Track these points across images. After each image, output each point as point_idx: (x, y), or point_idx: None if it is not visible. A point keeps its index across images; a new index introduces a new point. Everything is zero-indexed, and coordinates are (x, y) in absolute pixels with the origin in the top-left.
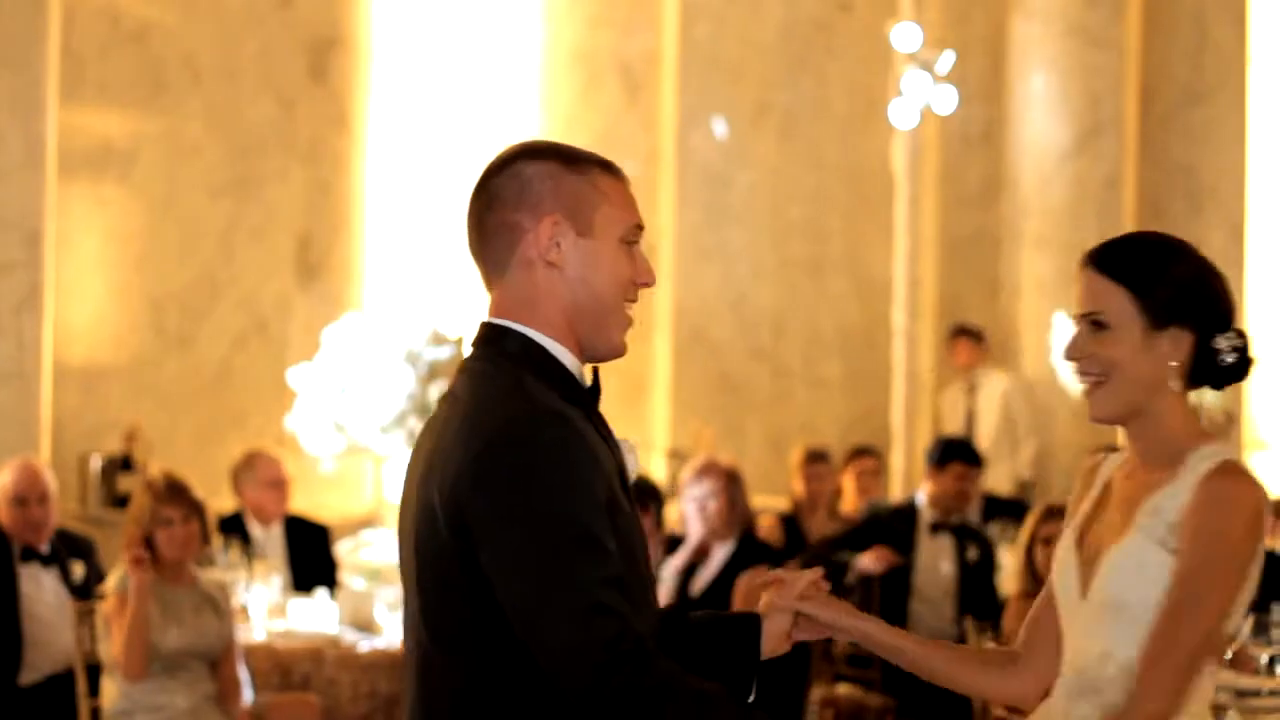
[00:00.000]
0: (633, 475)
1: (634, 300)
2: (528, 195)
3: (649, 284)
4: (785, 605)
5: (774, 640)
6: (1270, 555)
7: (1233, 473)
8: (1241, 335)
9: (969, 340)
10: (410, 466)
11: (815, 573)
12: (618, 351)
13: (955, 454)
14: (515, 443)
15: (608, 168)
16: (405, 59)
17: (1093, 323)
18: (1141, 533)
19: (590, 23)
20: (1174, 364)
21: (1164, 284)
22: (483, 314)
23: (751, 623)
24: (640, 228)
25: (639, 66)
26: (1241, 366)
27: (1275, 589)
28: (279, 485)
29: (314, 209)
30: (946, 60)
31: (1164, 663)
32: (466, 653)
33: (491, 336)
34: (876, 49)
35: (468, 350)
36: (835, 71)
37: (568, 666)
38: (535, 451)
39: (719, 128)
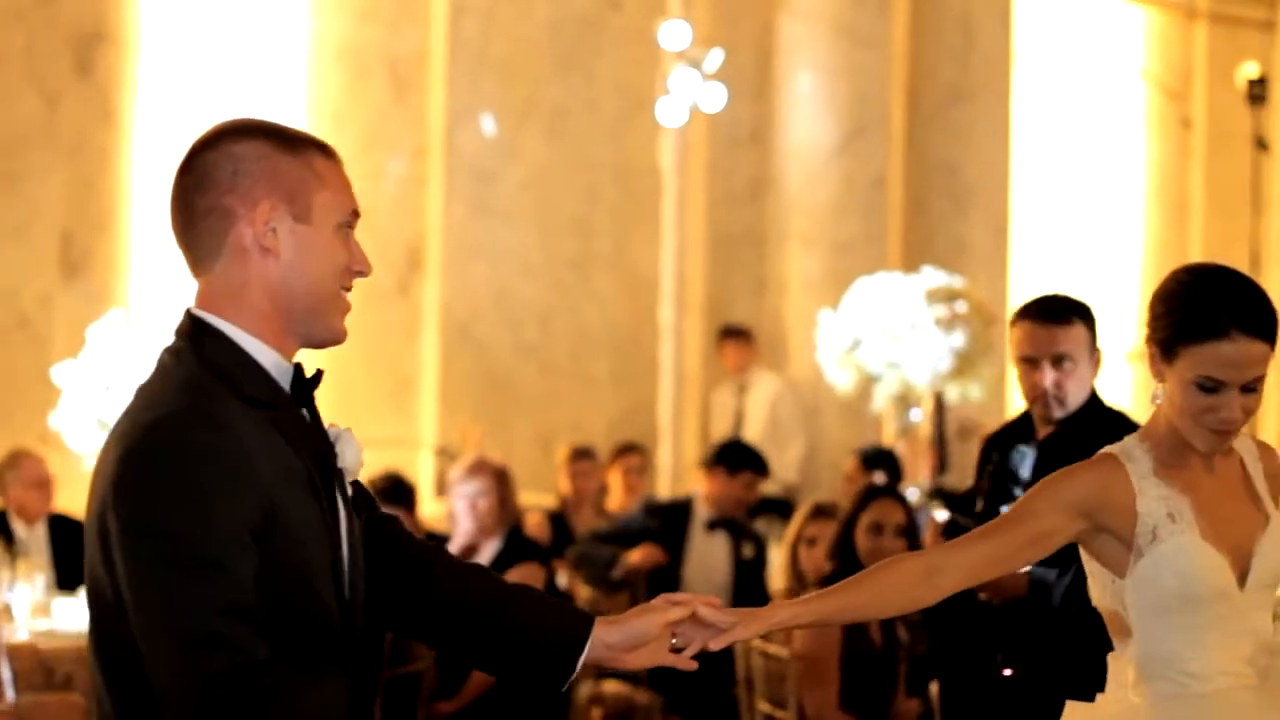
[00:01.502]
0: (353, 468)
1: (349, 288)
2: (241, 178)
3: (365, 273)
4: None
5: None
6: None
7: None
8: None
9: (737, 342)
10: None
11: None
12: (339, 337)
13: (748, 463)
14: (154, 449)
15: (324, 150)
16: (173, 54)
17: (1244, 388)
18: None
19: (358, 18)
20: None
21: None
22: (189, 302)
23: (584, 622)
24: (357, 214)
25: (407, 63)
26: None
27: None
28: (43, 485)
29: (78, 205)
30: (714, 59)
31: None
32: (120, 685)
33: (187, 329)
34: (645, 47)
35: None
36: (604, 69)
37: (171, 701)
38: (171, 461)
39: (487, 125)
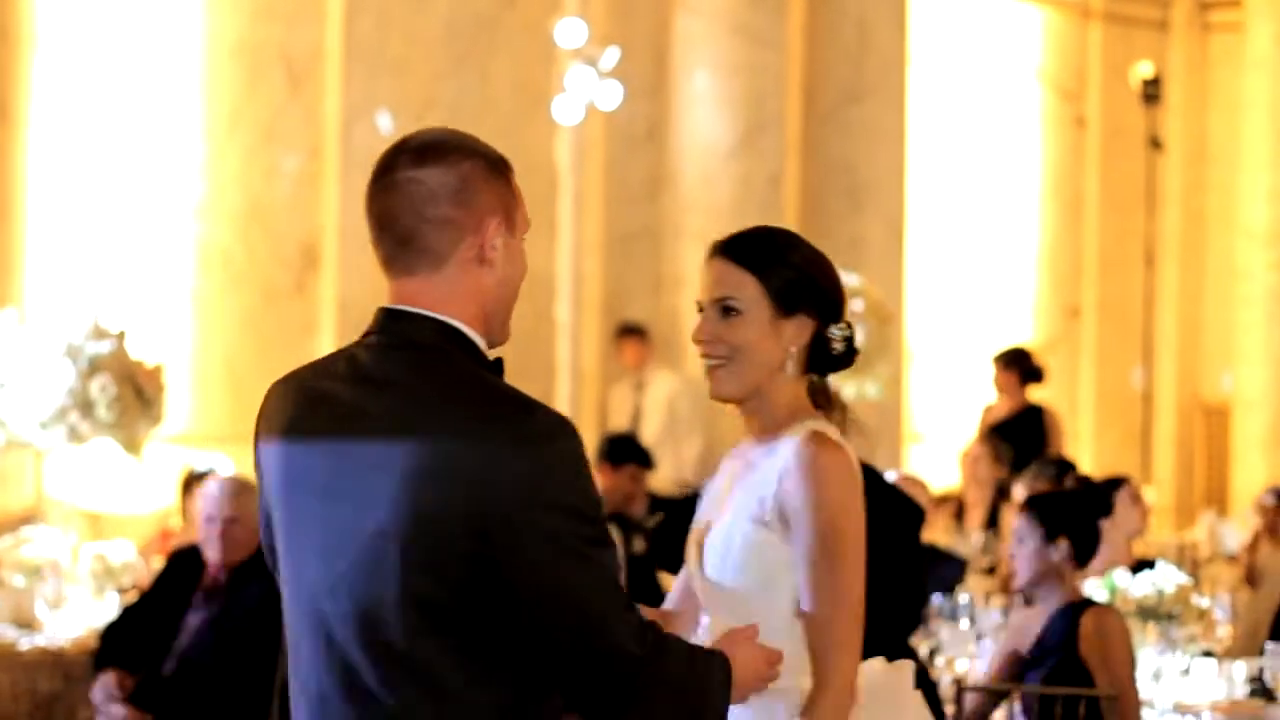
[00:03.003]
0: None
1: None
2: (469, 194)
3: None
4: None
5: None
6: (931, 549)
7: (811, 441)
8: (850, 326)
9: (635, 339)
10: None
11: None
12: (507, 339)
13: (631, 455)
14: (571, 446)
15: (511, 168)
16: (67, 50)
17: (724, 308)
18: (734, 513)
19: (253, 15)
20: (794, 349)
21: (790, 272)
22: (393, 302)
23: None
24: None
25: (302, 60)
26: (848, 356)
27: (939, 582)
28: None
29: None
30: (611, 57)
31: (830, 638)
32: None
33: (439, 330)
34: (541, 45)
35: (378, 338)
36: (500, 67)
37: (628, 672)
38: (576, 452)
39: (383, 122)
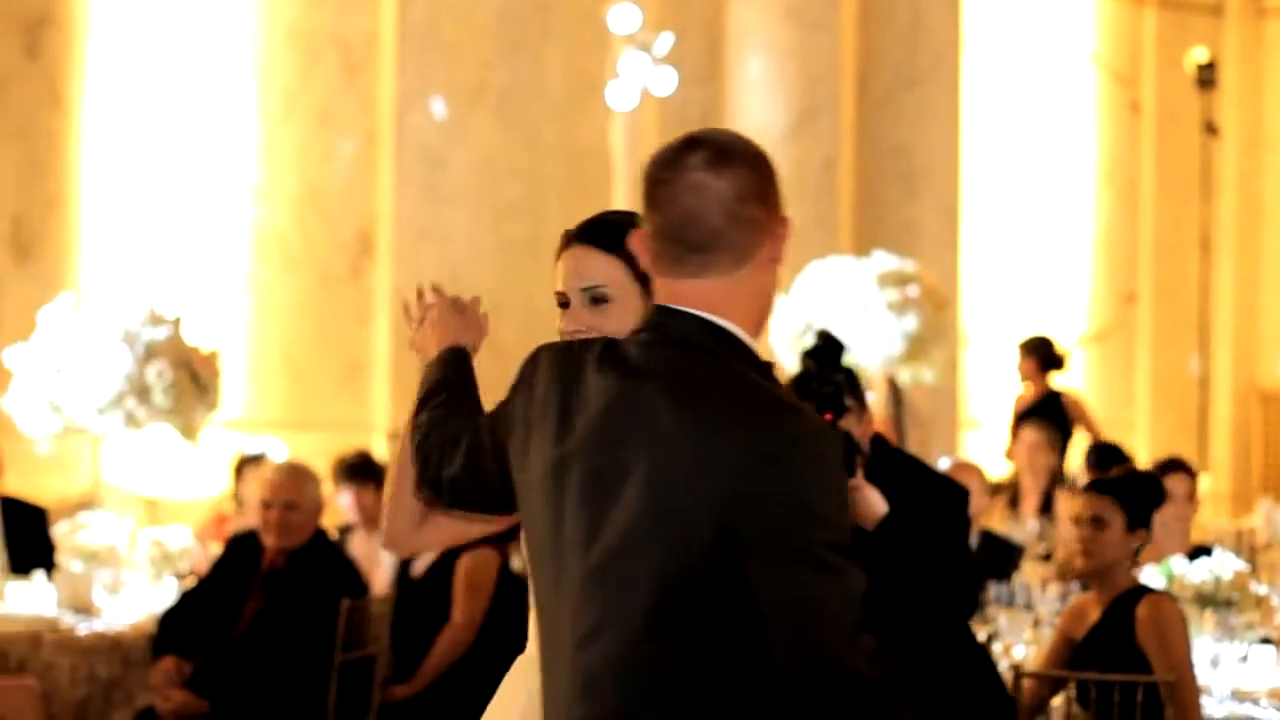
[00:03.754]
0: None
1: None
2: (769, 194)
3: None
4: None
5: None
6: (988, 535)
7: None
8: None
9: None
10: (605, 464)
11: None
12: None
13: None
14: (829, 452)
15: None
16: (121, 36)
17: (593, 297)
18: None
19: (308, 1)
20: None
21: None
22: (674, 301)
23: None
24: None
25: (357, 45)
26: None
27: (995, 568)
28: None
29: (27, 188)
30: (665, 42)
31: None
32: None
33: (709, 331)
34: (594, 30)
35: (650, 334)
36: (553, 53)
37: (858, 694)
38: (835, 459)
39: (437, 108)
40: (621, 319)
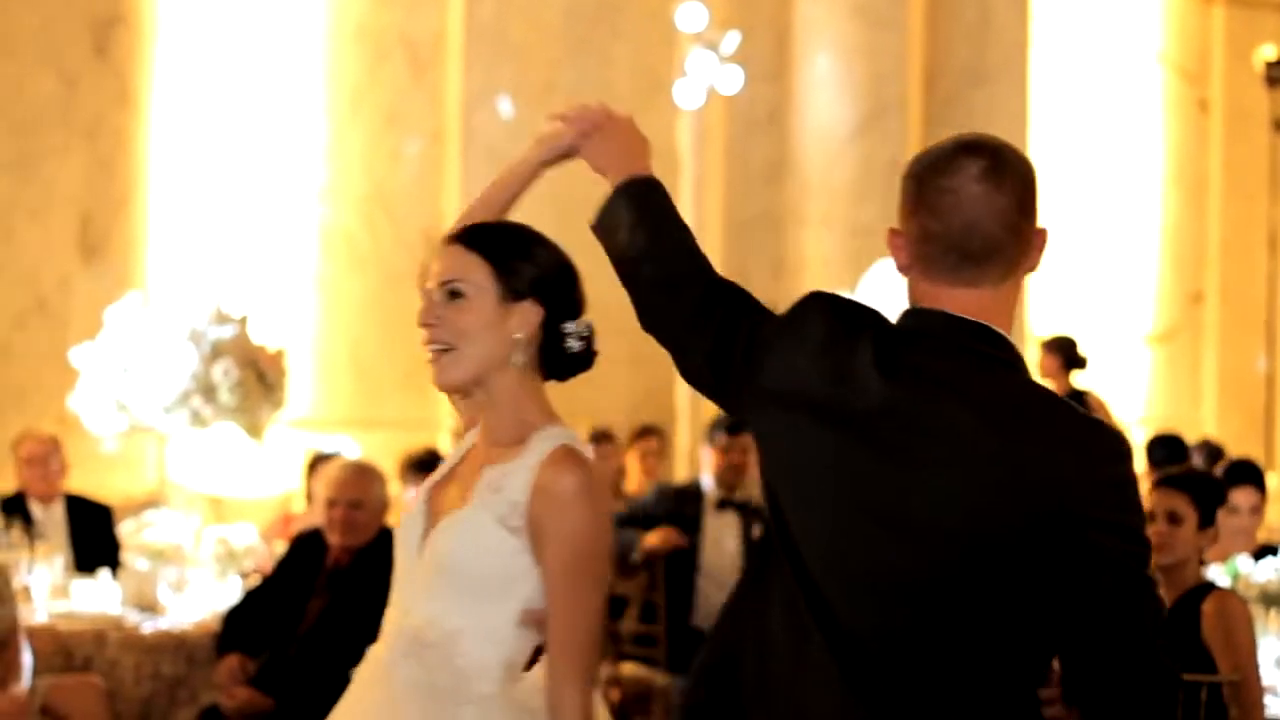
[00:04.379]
0: None
1: None
2: (1034, 203)
3: None
4: None
5: None
6: None
7: (566, 458)
8: (590, 328)
9: None
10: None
11: None
12: None
13: (743, 426)
14: (1129, 466)
15: None
16: (190, 36)
17: (450, 292)
18: (480, 506)
19: (376, 1)
20: (519, 336)
21: (522, 260)
22: (956, 309)
23: None
24: None
25: (425, 44)
26: (587, 358)
27: None
28: (35, 463)
29: (95, 187)
30: (731, 41)
31: (571, 650)
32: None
33: (1000, 343)
34: (662, 29)
35: (946, 345)
36: (620, 52)
37: (1165, 693)
38: (1134, 473)
39: (504, 107)
40: (471, 317)
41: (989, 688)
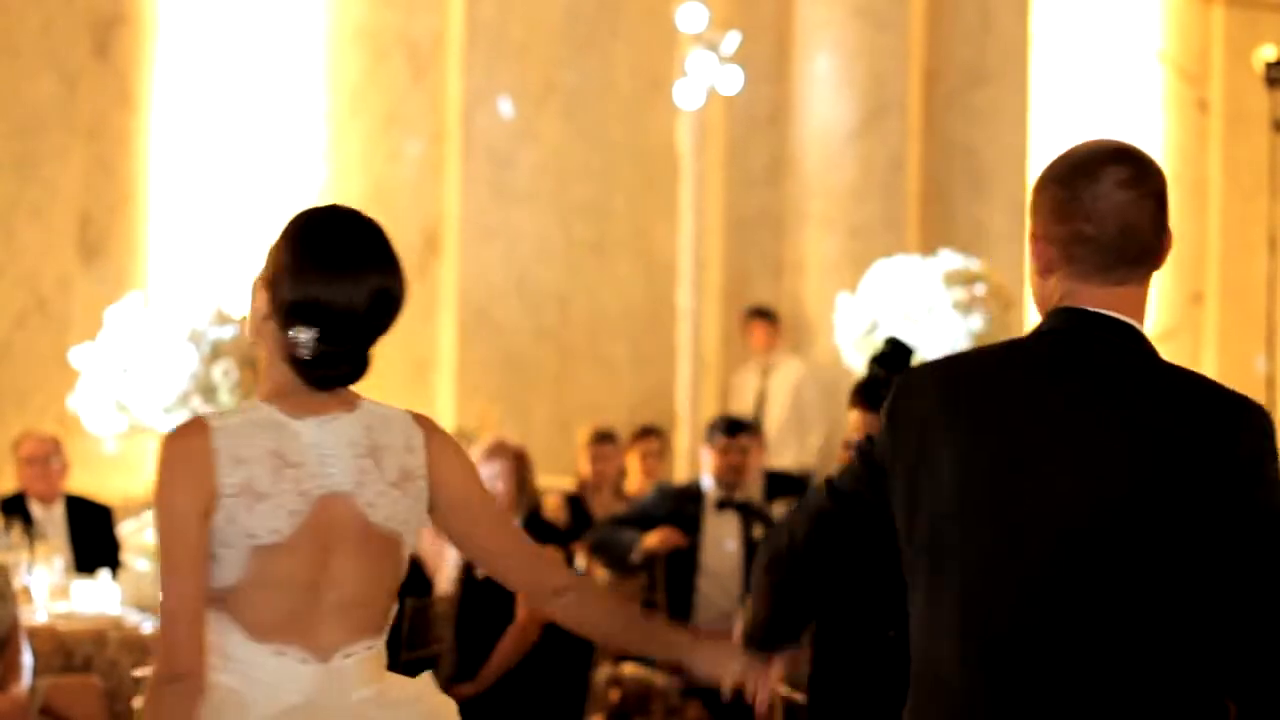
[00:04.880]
0: None
1: None
2: (1167, 208)
3: None
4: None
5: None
6: None
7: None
8: (317, 343)
9: (763, 323)
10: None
11: None
12: None
13: (741, 427)
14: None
15: None
16: (190, 36)
17: None
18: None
19: (375, 1)
20: (249, 315)
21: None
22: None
23: None
24: None
25: (425, 45)
26: (314, 367)
27: None
28: (35, 463)
29: (96, 187)
30: (732, 41)
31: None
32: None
33: (1143, 337)
34: (662, 29)
35: (1104, 339)
36: (620, 52)
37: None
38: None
39: (504, 107)
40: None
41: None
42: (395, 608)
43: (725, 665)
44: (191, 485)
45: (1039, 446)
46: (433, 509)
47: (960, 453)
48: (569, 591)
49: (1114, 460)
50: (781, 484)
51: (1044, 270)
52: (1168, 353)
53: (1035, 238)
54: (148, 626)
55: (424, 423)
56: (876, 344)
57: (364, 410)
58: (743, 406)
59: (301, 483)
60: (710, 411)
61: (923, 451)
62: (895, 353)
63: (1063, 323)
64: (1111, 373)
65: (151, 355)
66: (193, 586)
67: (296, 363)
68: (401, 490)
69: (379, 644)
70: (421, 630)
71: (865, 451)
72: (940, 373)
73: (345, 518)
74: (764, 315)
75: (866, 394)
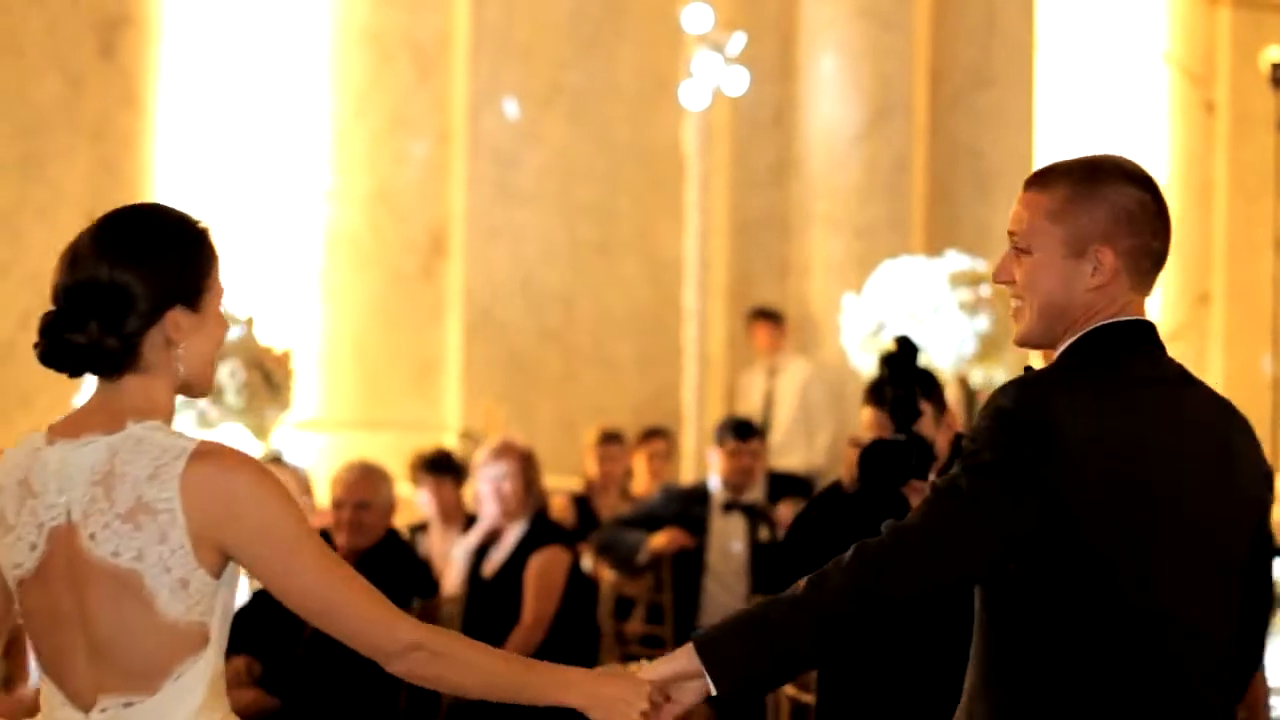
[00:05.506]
0: None
1: None
2: None
3: None
4: None
5: None
6: None
7: None
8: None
9: (769, 324)
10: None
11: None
12: None
13: (751, 430)
14: None
15: None
16: (196, 37)
17: None
18: None
19: (381, 2)
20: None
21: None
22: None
23: None
24: None
25: (430, 46)
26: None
27: None
28: None
29: (101, 188)
30: (737, 42)
31: None
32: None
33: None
34: (667, 30)
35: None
36: (626, 53)
37: None
38: None
39: (510, 109)
40: None
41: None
42: (179, 671)
43: (625, 709)
44: None
45: (1188, 459)
46: (224, 552)
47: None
48: (418, 650)
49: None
50: (786, 485)
51: (1105, 282)
52: (1175, 354)
53: (1102, 250)
54: None
55: (201, 453)
56: (884, 344)
57: (125, 435)
58: (749, 408)
59: (38, 514)
60: (716, 413)
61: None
62: (902, 351)
63: (1143, 333)
64: (1185, 382)
65: None
66: None
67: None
68: (133, 524)
69: (147, 706)
70: None
71: None
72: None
73: (75, 551)
74: (769, 316)
75: (874, 393)
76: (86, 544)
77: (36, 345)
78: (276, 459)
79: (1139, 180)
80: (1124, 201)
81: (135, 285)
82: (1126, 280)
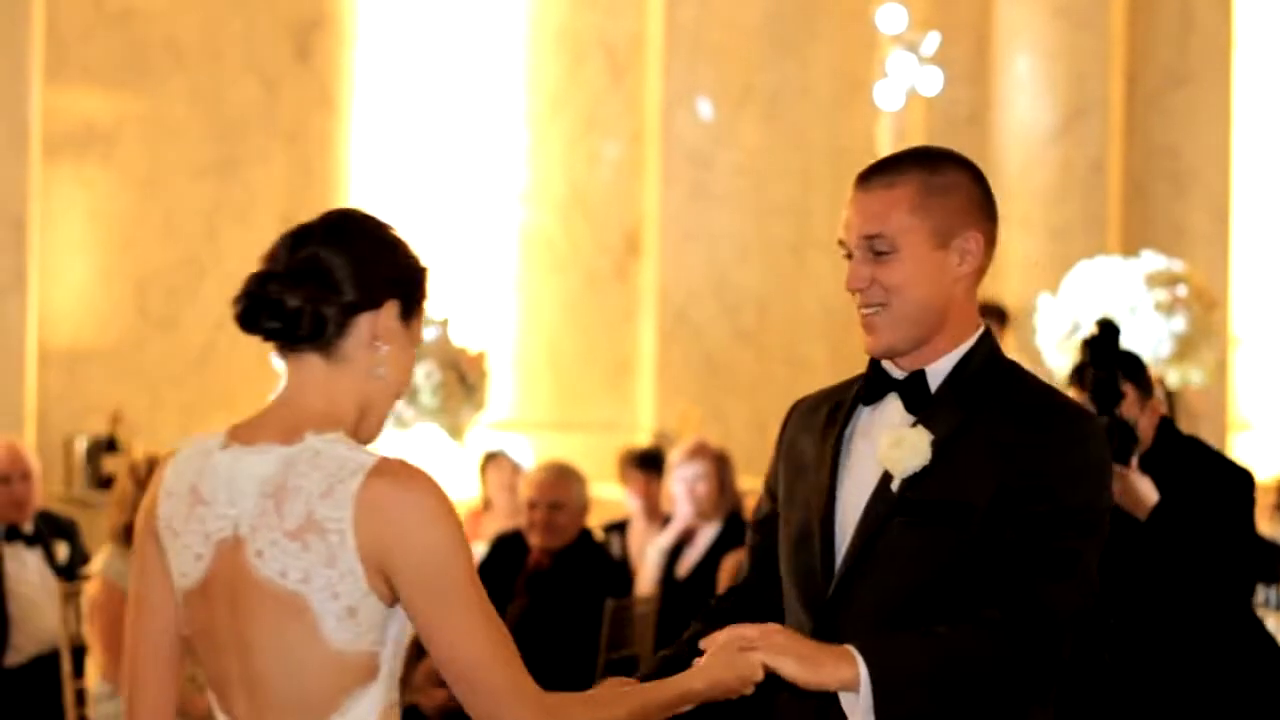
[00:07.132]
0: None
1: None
2: None
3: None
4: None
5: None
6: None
7: None
8: None
9: (992, 320)
10: None
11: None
12: None
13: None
14: None
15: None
16: (390, 39)
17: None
18: None
19: (575, 3)
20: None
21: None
22: None
23: None
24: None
25: (624, 47)
26: None
27: (1262, 571)
28: None
29: (297, 190)
30: (932, 42)
31: None
32: None
33: None
34: (861, 31)
35: None
36: (820, 53)
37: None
38: None
39: (704, 109)
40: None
41: None
42: (345, 705)
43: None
44: (145, 514)
45: None
46: (388, 583)
47: None
48: None
49: None
50: None
51: (976, 265)
52: None
53: (962, 228)
54: None
55: (380, 470)
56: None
57: (303, 447)
58: None
59: (206, 523)
60: None
61: None
62: (1104, 334)
63: None
64: None
65: None
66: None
67: None
68: (301, 543)
69: None
70: (622, 631)
71: None
72: None
73: (239, 568)
74: (990, 312)
75: (1076, 376)
76: (253, 560)
77: (236, 302)
78: (497, 454)
79: (965, 163)
80: (969, 185)
81: (358, 265)
82: (984, 266)
